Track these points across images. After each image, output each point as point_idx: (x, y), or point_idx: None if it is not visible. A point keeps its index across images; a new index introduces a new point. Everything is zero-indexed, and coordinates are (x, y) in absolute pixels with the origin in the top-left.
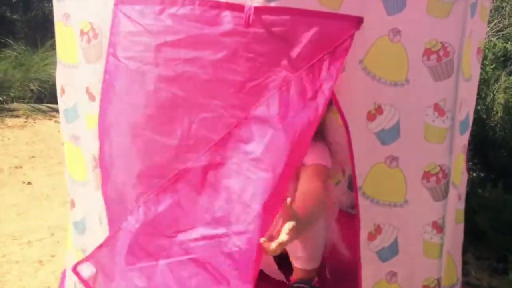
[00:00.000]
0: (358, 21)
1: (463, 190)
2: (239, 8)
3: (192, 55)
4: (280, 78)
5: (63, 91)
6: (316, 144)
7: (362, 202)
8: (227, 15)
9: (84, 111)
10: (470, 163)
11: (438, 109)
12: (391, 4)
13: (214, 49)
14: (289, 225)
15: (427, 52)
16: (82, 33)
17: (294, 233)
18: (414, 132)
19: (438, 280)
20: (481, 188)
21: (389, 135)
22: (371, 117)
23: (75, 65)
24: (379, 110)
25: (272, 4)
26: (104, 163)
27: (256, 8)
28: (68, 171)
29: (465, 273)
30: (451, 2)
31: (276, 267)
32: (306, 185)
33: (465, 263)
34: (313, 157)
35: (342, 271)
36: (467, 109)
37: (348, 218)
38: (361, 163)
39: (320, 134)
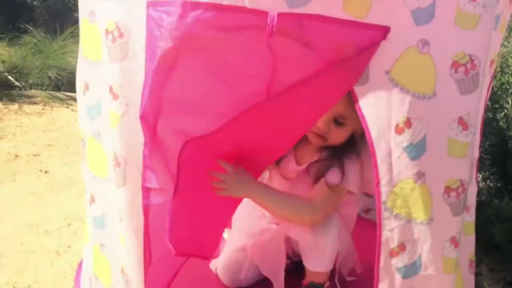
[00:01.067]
0: (384, 31)
1: (472, 202)
2: (263, 14)
3: (216, 61)
4: (303, 85)
5: (87, 87)
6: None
7: (385, 217)
8: (251, 20)
9: (107, 108)
10: (488, 173)
11: (463, 123)
12: (420, 14)
13: (238, 55)
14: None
15: (455, 65)
16: (107, 32)
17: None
18: (439, 147)
19: None
20: (498, 198)
21: (416, 150)
22: (399, 130)
23: (100, 62)
24: (407, 123)
25: (296, 11)
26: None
27: (280, 14)
28: (89, 166)
29: (478, 284)
30: (479, 14)
31: (283, 276)
32: (294, 196)
33: (478, 274)
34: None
35: (353, 283)
36: (477, 121)
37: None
38: (387, 178)
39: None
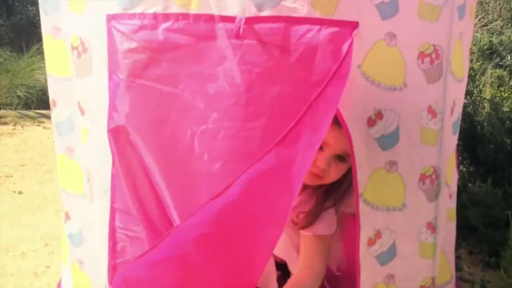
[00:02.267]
0: (353, 26)
1: (454, 188)
2: (232, 20)
3: (190, 70)
4: (279, 88)
5: (54, 104)
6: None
7: (363, 209)
8: (220, 27)
9: (79, 124)
10: (460, 158)
11: (431, 112)
12: (385, 9)
13: (212, 62)
14: None
15: (421, 56)
16: (72, 47)
17: None
18: (412, 136)
19: (433, 279)
20: (471, 183)
21: (389, 140)
22: (371, 122)
23: (69, 78)
24: (379, 115)
25: (264, 14)
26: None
27: (248, 19)
28: (62, 183)
29: (458, 268)
30: (440, 6)
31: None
32: (297, 276)
33: (457, 258)
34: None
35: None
36: (459, 109)
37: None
38: (363, 169)
39: None
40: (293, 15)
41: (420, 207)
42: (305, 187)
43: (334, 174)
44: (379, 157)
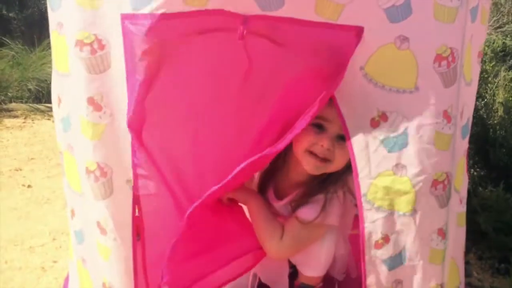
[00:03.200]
0: (357, 31)
1: (464, 193)
2: (234, 16)
3: (199, 67)
4: (282, 86)
5: (59, 100)
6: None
7: (366, 210)
8: (223, 23)
9: (82, 120)
10: (471, 162)
11: (447, 116)
12: (395, 12)
13: (213, 58)
14: None
15: (438, 58)
16: (82, 43)
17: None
18: (424, 140)
19: (442, 286)
20: (482, 187)
21: (395, 143)
22: (374, 124)
23: (67, 74)
24: (383, 117)
25: (268, 14)
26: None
27: (251, 17)
28: (67, 180)
29: (467, 273)
30: (456, 7)
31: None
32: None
33: (467, 263)
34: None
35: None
36: (468, 113)
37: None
38: (366, 170)
39: None
40: (296, 17)
41: (432, 213)
42: (297, 181)
43: (340, 158)
44: (384, 159)
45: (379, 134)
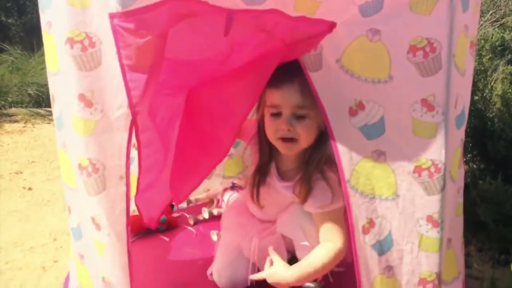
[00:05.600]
0: (330, 25)
1: (461, 183)
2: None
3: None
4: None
5: (53, 99)
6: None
7: (352, 195)
8: (208, 11)
9: (73, 117)
10: (470, 155)
11: (427, 104)
12: (367, 7)
13: (197, 39)
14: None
15: (413, 49)
16: (72, 41)
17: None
18: (401, 127)
19: (437, 274)
20: (481, 179)
21: (373, 130)
22: (352, 112)
23: (57, 73)
24: (360, 105)
25: (252, 7)
26: None
27: (237, 11)
28: (63, 177)
29: (467, 265)
30: None
31: None
32: (315, 252)
33: (467, 255)
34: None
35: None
36: (463, 103)
37: None
38: (347, 156)
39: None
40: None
41: (417, 200)
42: (291, 163)
43: (303, 133)
44: (364, 146)
45: (357, 122)
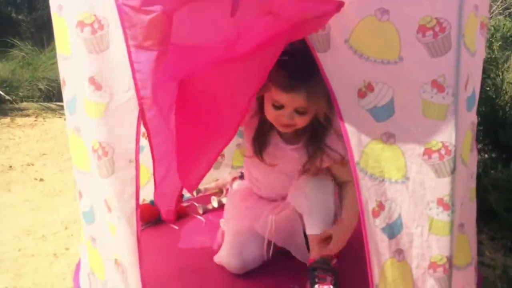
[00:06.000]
0: (338, 5)
1: (473, 168)
2: None
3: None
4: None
5: (64, 83)
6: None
7: (361, 178)
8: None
9: (89, 100)
10: (481, 145)
11: (437, 85)
12: None
13: (204, 24)
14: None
15: (422, 29)
16: (83, 24)
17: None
18: (411, 109)
19: (449, 258)
20: (493, 169)
21: (383, 112)
22: (361, 94)
23: (68, 57)
24: (369, 87)
25: None
26: None
27: None
28: (74, 161)
29: (479, 253)
30: None
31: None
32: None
33: (479, 243)
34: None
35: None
36: (473, 84)
37: None
38: (356, 139)
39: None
40: None
41: (427, 182)
42: (294, 142)
43: (300, 122)
44: (373, 128)
45: (367, 104)
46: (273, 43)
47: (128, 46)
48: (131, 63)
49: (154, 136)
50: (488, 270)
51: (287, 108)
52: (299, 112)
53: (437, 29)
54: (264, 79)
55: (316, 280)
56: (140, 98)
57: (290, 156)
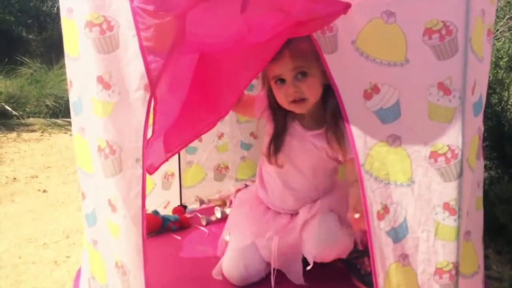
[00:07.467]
0: (346, 6)
1: (480, 177)
2: None
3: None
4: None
5: (71, 84)
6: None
7: (366, 180)
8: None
9: (93, 99)
10: (488, 161)
11: (443, 88)
12: None
13: (214, 20)
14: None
15: (428, 32)
16: (92, 24)
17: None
18: (417, 111)
19: (455, 265)
20: (500, 183)
21: (388, 114)
22: (367, 95)
23: (75, 58)
24: (375, 89)
25: None
26: None
27: None
28: (79, 163)
29: (486, 267)
30: None
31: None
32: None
33: (486, 257)
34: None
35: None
36: (480, 90)
37: None
38: (361, 140)
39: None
40: None
41: (433, 186)
42: (310, 119)
43: (309, 90)
44: (379, 130)
45: (373, 106)
46: (278, 37)
47: (142, 47)
48: (146, 63)
49: (159, 114)
50: (495, 283)
51: (286, 77)
52: (300, 74)
53: (443, 32)
54: (264, 65)
55: (358, 266)
56: (154, 95)
57: (309, 146)
